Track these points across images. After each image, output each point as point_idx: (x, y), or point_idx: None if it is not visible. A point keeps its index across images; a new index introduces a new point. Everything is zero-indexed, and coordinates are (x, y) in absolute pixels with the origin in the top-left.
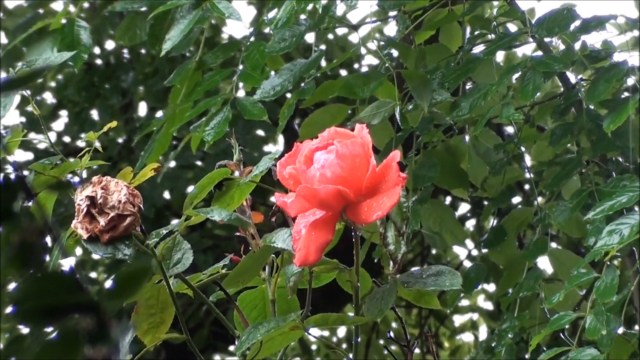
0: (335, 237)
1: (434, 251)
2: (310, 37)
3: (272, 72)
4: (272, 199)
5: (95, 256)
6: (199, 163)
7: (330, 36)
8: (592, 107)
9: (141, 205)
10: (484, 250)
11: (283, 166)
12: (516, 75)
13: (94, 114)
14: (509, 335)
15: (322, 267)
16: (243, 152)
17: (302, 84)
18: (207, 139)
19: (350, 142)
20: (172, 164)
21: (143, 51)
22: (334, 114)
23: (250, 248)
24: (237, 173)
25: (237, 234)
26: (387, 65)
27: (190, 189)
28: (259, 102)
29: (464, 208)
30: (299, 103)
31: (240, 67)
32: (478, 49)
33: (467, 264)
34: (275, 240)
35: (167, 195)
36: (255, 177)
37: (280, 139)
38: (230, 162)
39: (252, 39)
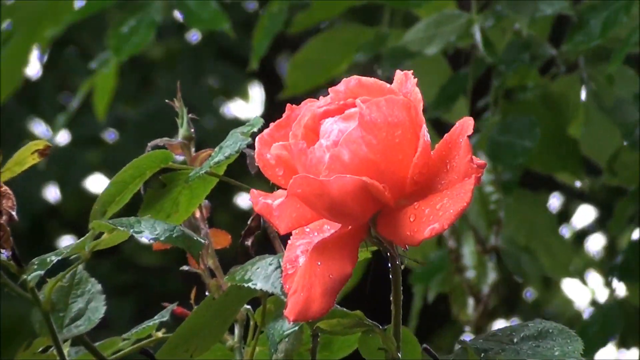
0: (357, 270)
1: (528, 291)
2: None
3: None
4: (245, 201)
5: None
6: (110, 137)
7: None
8: None
9: (13, 213)
10: (618, 287)
11: (266, 144)
12: None
13: None
14: None
15: (334, 323)
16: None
17: None
18: (115, 56)
19: (385, 102)
20: (63, 137)
21: None
22: (346, 42)
23: (206, 292)
24: (183, 157)
25: (185, 268)
26: None
27: (95, 183)
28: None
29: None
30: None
31: None
32: None
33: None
34: (253, 278)
35: (52, 193)
36: (218, 167)
37: (257, 94)
38: (172, 140)
39: None
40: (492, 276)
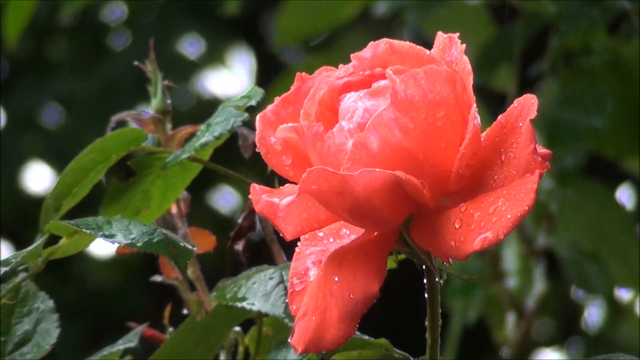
0: None
1: (592, 312)
2: None
3: None
4: (225, 197)
5: None
6: (51, 116)
7: None
8: None
9: None
10: None
11: (270, 124)
12: None
13: None
14: None
15: (354, 355)
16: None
17: None
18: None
19: (425, 74)
20: None
21: None
22: None
23: (186, 311)
24: (154, 137)
25: (157, 277)
26: None
27: (34, 176)
28: None
29: None
30: None
31: None
32: None
33: None
34: (248, 296)
35: None
36: (202, 151)
37: (241, 58)
38: (144, 113)
39: None
40: (539, 286)
